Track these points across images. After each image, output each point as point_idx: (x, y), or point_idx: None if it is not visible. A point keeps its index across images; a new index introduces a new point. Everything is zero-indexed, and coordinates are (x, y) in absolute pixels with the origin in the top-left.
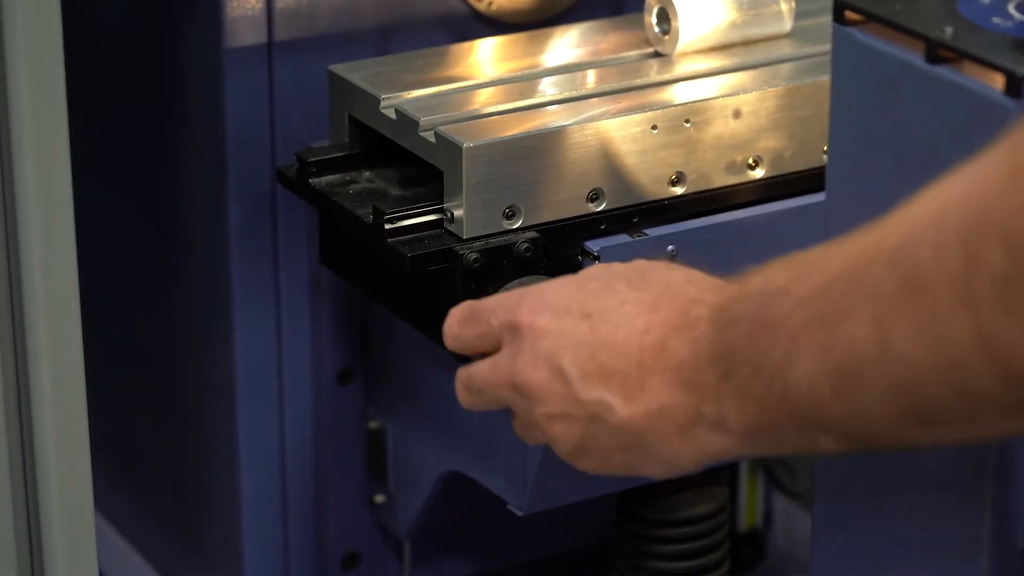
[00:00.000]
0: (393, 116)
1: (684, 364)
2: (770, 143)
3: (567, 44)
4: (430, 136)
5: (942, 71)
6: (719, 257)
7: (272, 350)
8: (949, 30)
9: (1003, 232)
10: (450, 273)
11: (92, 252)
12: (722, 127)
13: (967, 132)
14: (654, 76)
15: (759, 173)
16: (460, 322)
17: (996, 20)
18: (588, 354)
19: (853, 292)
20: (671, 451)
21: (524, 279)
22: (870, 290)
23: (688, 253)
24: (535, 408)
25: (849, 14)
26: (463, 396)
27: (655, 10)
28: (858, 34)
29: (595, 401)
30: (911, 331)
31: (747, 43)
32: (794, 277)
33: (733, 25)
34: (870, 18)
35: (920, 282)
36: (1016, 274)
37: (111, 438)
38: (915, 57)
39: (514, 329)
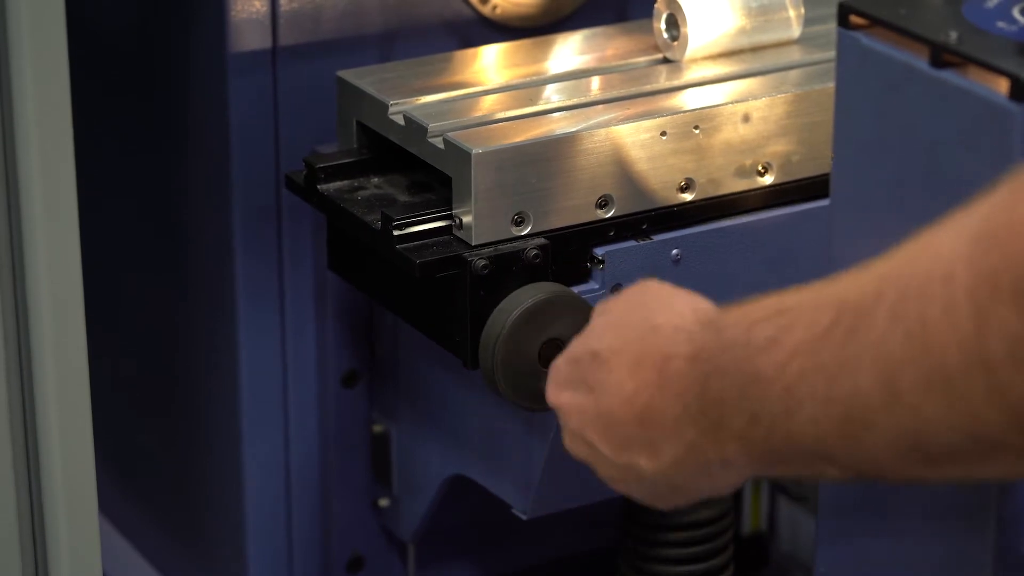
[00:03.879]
0: (402, 122)
1: (678, 420)
2: (779, 149)
3: (575, 50)
4: (439, 142)
5: (947, 75)
6: (724, 262)
7: (277, 354)
8: (954, 34)
9: (1014, 292)
10: (459, 280)
11: (97, 256)
12: (731, 133)
13: (972, 136)
14: (663, 82)
15: (768, 179)
16: None
17: (1001, 24)
18: (604, 426)
19: (852, 343)
20: (704, 485)
21: (533, 285)
22: (871, 341)
23: (693, 258)
24: (599, 473)
25: (854, 18)
26: None
27: (664, 16)
28: (863, 38)
29: (627, 464)
30: (920, 383)
31: (756, 49)
32: (779, 327)
33: (742, 31)
34: (875, 22)
35: (929, 338)
36: None
37: (116, 442)
38: (920, 61)
39: (553, 408)
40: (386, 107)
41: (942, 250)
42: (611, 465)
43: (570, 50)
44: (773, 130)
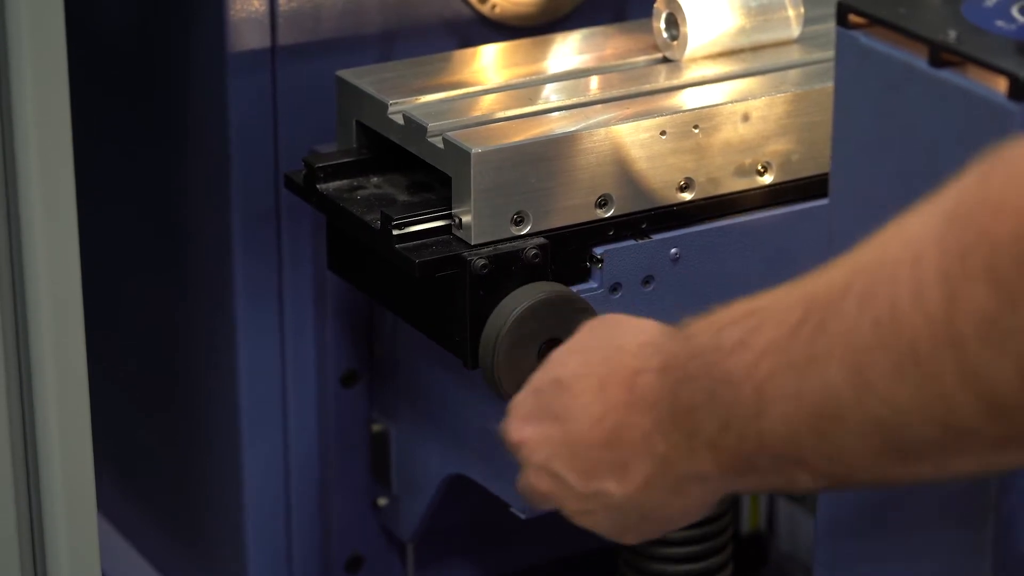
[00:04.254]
0: (401, 122)
1: (648, 435)
2: (779, 148)
3: (575, 49)
4: (438, 142)
5: (946, 74)
6: (723, 261)
7: (276, 353)
8: (953, 33)
9: (985, 268)
10: (458, 279)
11: (96, 256)
12: (731, 133)
13: (970, 135)
14: (662, 82)
15: (768, 179)
16: None
17: (1000, 23)
18: (570, 454)
19: (820, 337)
20: (675, 509)
21: (533, 285)
22: (839, 332)
23: (692, 257)
24: (564, 508)
25: (853, 17)
26: None
27: (664, 15)
28: (862, 37)
29: (595, 492)
30: (890, 370)
31: (755, 49)
32: (748, 329)
33: (741, 31)
34: (874, 21)
35: (898, 322)
36: (1000, 309)
37: (116, 442)
38: (919, 60)
39: (514, 448)
40: (386, 107)
41: (911, 235)
42: (577, 496)
43: (569, 49)
44: (773, 129)
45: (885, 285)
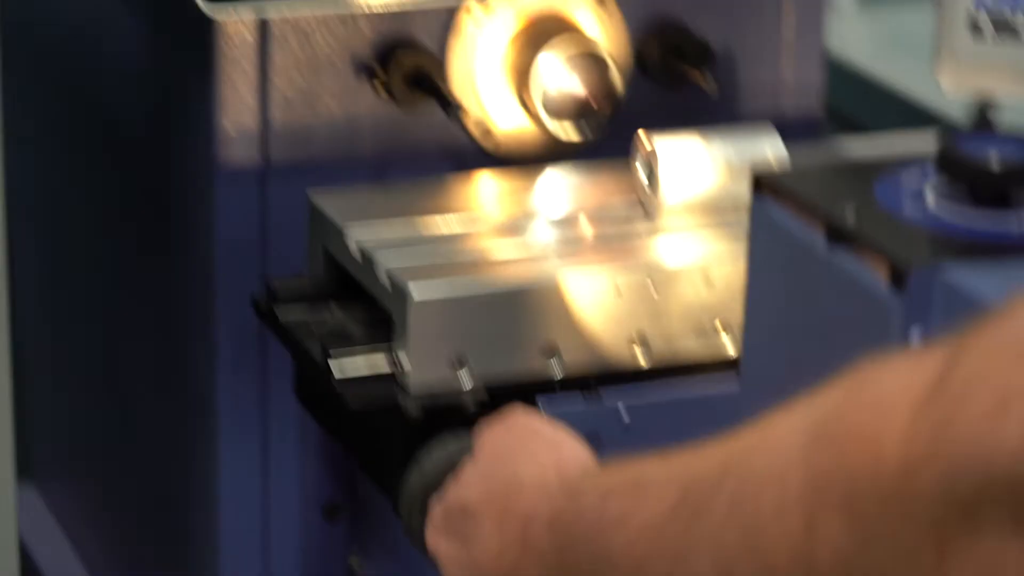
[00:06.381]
0: (357, 252)
1: None
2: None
3: (555, 190)
4: (385, 280)
5: (839, 255)
6: (676, 432)
7: (257, 483)
8: (851, 213)
9: (842, 499)
10: (393, 423)
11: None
12: (690, 292)
13: (855, 325)
14: (632, 233)
15: (727, 339)
16: None
17: (908, 206)
18: (480, 573)
19: (692, 530)
20: None
21: (454, 438)
22: (709, 531)
23: (643, 424)
24: None
25: (764, 186)
26: None
27: (643, 164)
28: (773, 208)
29: None
30: None
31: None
32: (633, 500)
33: (723, 187)
34: (781, 193)
35: (761, 538)
36: (855, 548)
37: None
38: (819, 237)
39: (432, 554)
40: (345, 234)
41: (779, 446)
42: None
43: (548, 189)
44: (736, 289)
45: (752, 495)
